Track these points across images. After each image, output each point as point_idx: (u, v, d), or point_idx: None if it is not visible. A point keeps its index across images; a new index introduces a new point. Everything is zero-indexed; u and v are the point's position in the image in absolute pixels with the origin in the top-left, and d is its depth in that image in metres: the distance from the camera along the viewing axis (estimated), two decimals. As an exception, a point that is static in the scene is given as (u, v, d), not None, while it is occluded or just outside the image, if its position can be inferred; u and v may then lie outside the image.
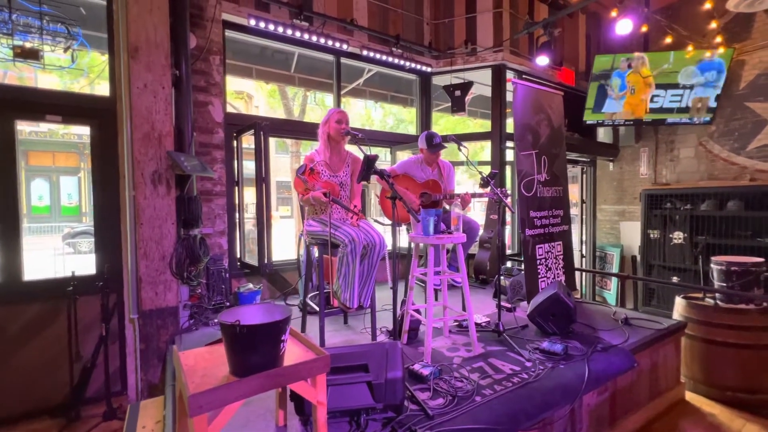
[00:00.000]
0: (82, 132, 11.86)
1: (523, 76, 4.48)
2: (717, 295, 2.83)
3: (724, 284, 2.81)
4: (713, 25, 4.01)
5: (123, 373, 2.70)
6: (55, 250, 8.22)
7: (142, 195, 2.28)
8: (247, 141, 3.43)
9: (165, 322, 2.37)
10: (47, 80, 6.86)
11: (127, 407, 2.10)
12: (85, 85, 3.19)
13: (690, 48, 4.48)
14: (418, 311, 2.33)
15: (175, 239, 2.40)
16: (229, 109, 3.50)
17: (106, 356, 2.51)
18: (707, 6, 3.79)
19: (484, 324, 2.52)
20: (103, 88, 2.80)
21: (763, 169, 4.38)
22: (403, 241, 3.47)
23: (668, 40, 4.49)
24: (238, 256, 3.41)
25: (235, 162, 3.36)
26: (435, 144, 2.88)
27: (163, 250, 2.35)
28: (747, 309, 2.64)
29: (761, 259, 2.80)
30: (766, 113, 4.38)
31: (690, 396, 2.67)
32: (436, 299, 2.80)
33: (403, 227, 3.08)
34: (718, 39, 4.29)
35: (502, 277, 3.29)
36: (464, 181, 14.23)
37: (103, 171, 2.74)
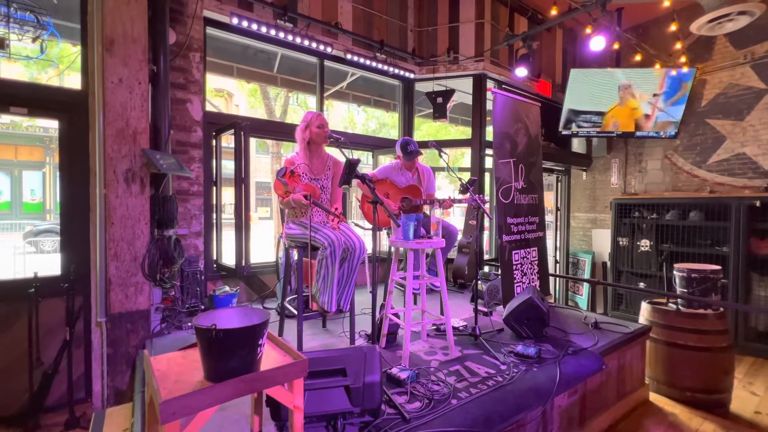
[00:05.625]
0: (48, 125, 11.29)
1: (503, 86, 4.61)
2: (679, 300, 2.99)
3: (686, 290, 2.97)
4: (678, 45, 4.26)
5: (88, 380, 2.58)
6: (16, 249, 7.76)
7: (114, 193, 2.20)
8: (227, 140, 3.36)
9: (135, 325, 2.28)
10: (12, 70, 6.50)
11: (92, 415, 2.01)
12: (54, 76, 3.06)
13: (657, 66, 4.74)
14: (396, 315, 2.35)
15: (148, 240, 2.32)
16: (209, 107, 3.43)
17: (70, 362, 2.40)
18: (673, 28, 4.04)
19: (461, 328, 2.57)
20: (73, 81, 2.69)
21: (722, 182, 4.68)
22: (384, 245, 3.48)
23: (638, 57, 4.73)
24: (215, 258, 3.33)
25: (214, 161, 3.29)
26: (410, 151, 2.97)
27: (135, 250, 2.27)
28: (705, 313, 2.81)
29: (718, 267, 2.98)
30: (724, 130, 4.69)
31: (653, 396, 2.80)
32: (415, 303, 2.82)
33: (384, 231, 3.10)
34: (683, 59, 4.57)
35: (479, 282, 3.36)
36: (445, 186, 14.44)
37: (71, 167, 2.61)
